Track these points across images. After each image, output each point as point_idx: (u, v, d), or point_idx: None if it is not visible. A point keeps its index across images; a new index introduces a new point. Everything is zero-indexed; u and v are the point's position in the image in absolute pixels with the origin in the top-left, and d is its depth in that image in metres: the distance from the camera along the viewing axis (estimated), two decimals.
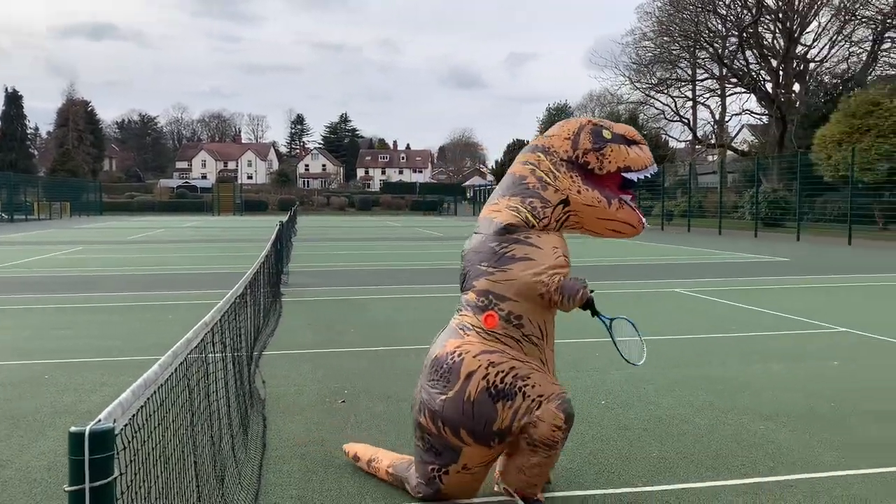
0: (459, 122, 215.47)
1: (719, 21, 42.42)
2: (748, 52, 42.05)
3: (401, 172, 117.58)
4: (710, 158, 55.24)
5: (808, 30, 40.27)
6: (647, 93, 48.06)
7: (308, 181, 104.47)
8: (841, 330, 7.91)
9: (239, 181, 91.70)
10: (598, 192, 3.40)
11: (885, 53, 39.34)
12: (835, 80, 39.91)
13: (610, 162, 3.40)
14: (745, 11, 40.95)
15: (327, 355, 6.67)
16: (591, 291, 3.31)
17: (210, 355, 3.08)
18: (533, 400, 3.18)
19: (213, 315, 3.17)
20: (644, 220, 3.50)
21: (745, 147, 49.70)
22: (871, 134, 28.38)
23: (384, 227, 38.91)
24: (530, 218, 3.33)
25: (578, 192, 3.38)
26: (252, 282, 6.37)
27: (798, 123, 38.15)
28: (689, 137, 51.16)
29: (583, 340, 7.05)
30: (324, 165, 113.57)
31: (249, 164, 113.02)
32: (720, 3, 41.41)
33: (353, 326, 8.18)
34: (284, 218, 19.90)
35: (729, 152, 46.84)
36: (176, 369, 2.39)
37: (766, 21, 40.83)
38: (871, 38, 38.80)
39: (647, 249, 20.26)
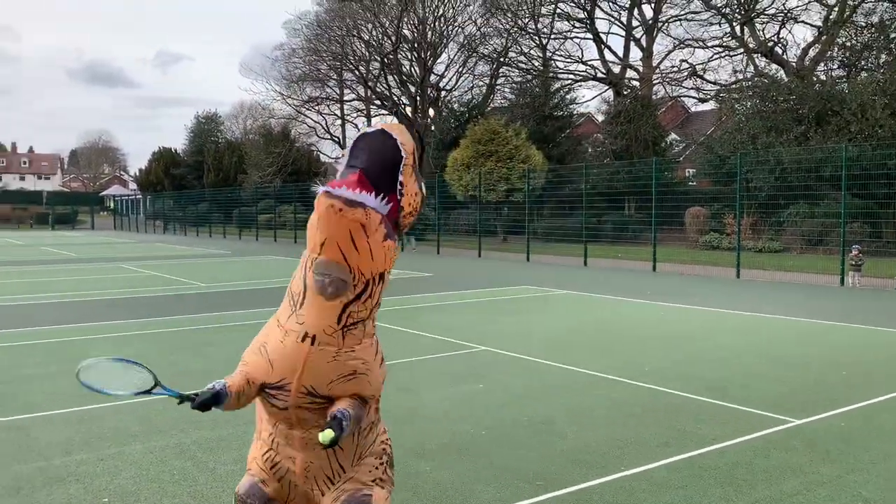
0: (94, 124, 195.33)
1: (363, 45, 44.86)
2: (390, 77, 45.19)
3: (22, 179, 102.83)
4: None
5: (439, 60, 44.72)
6: (298, 109, 48.79)
7: None
8: (481, 349, 8.80)
9: None
10: None
11: (499, 87, 45.46)
12: (462, 108, 44.85)
13: None
14: (386, 39, 43.89)
15: None
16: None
17: None
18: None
19: None
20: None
21: None
22: (492, 159, 32.55)
23: (3, 245, 33.44)
24: None
25: None
26: None
27: (434, 146, 42.04)
28: (340, 154, 53.15)
29: None
30: None
31: None
32: (364, 28, 43.81)
33: None
34: None
35: None
36: None
37: (405, 49, 44.29)
38: (489, 72, 44.53)
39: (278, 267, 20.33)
